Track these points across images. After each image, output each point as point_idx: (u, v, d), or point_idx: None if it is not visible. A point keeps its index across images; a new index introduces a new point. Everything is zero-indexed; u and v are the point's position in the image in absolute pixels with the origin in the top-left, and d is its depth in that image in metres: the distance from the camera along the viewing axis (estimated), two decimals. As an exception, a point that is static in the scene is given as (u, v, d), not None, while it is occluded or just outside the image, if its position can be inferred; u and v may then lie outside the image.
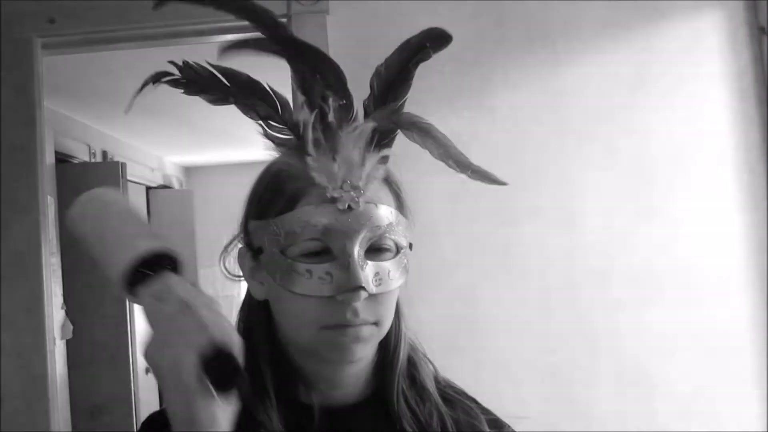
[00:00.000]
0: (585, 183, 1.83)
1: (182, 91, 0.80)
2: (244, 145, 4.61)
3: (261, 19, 0.76)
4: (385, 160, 0.79)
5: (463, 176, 1.54)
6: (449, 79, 1.80)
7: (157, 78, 0.78)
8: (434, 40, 0.80)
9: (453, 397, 0.87)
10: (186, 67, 0.79)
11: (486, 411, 0.89)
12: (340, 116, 0.77)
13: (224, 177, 5.52)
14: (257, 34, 0.77)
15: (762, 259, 1.82)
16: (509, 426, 0.89)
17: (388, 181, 0.81)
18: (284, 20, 1.79)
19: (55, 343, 1.89)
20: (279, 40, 0.77)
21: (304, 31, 1.74)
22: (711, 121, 1.84)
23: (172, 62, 0.79)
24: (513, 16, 1.84)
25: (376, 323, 0.77)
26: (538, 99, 1.83)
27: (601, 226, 1.82)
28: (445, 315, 1.80)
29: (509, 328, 1.80)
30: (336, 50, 1.72)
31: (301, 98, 0.79)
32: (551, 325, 1.80)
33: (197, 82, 0.79)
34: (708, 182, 1.83)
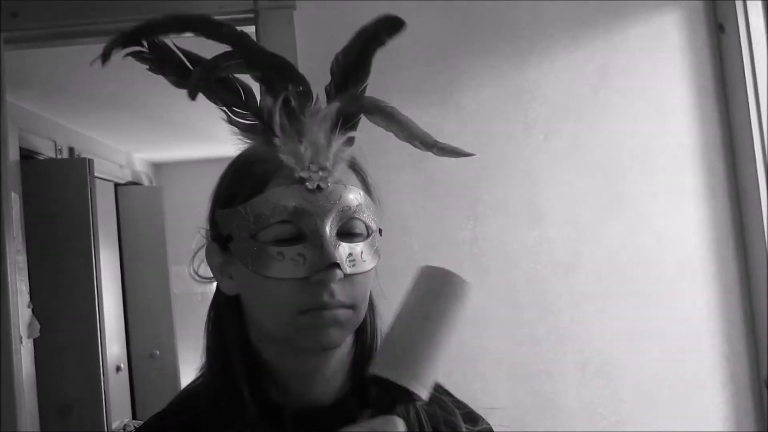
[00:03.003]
0: (550, 178, 1.85)
1: (147, 67, 0.79)
2: (214, 141, 4.57)
3: (202, 26, 0.78)
4: (350, 142, 0.80)
5: (429, 172, 1.57)
6: (416, 76, 1.81)
7: (125, 42, 0.77)
8: (388, 27, 0.81)
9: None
10: (153, 45, 0.78)
11: (460, 404, 0.89)
12: (301, 102, 0.78)
13: (194, 173, 5.47)
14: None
15: (720, 251, 1.87)
16: (484, 419, 0.89)
17: (354, 166, 0.81)
18: (250, 16, 1.79)
19: (21, 342, 1.87)
20: (237, 47, 0.78)
21: (271, 28, 1.74)
22: (672, 117, 1.88)
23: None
24: (479, 13, 1.86)
25: (352, 307, 0.76)
26: (504, 95, 1.85)
27: (566, 220, 1.85)
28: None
29: (476, 321, 1.82)
30: (303, 45, 1.72)
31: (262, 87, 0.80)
32: (518, 319, 1.83)
33: (163, 61, 0.79)
34: (669, 177, 1.88)
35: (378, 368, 0.70)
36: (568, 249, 1.84)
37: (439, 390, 0.88)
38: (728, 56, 1.86)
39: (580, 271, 1.84)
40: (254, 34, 1.76)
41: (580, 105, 1.86)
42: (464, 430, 0.85)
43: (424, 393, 0.70)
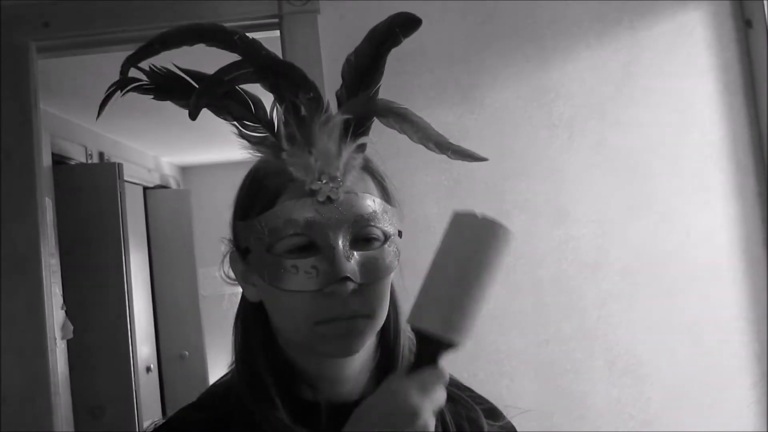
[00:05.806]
0: (575, 177, 1.85)
1: (152, 96, 0.79)
2: (241, 144, 4.61)
3: (215, 35, 0.78)
4: (362, 148, 0.79)
5: (453, 172, 1.56)
6: (439, 76, 1.80)
7: (124, 85, 0.78)
8: (402, 25, 0.79)
9: (450, 390, 0.85)
10: (152, 73, 0.78)
11: (481, 400, 0.89)
12: (311, 109, 0.76)
13: (221, 176, 5.52)
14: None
15: (749, 249, 1.84)
16: (504, 415, 0.89)
17: (370, 171, 0.80)
18: (275, 20, 1.80)
19: (56, 343, 1.91)
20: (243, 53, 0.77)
21: (296, 32, 1.76)
22: (698, 114, 1.86)
23: (139, 68, 0.78)
24: (501, 13, 1.86)
25: (369, 315, 0.75)
26: (527, 94, 1.85)
27: (591, 218, 1.84)
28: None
29: (503, 320, 1.82)
30: (327, 50, 1.73)
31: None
32: (544, 317, 1.82)
33: (165, 86, 0.78)
34: (696, 174, 1.86)
35: (416, 320, 0.70)
36: (594, 247, 1.83)
37: (459, 386, 0.88)
38: (756, 52, 1.83)
39: (606, 269, 1.83)
40: (279, 39, 1.78)
41: (604, 103, 1.85)
42: (486, 426, 0.85)
43: (462, 341, 0.69)
